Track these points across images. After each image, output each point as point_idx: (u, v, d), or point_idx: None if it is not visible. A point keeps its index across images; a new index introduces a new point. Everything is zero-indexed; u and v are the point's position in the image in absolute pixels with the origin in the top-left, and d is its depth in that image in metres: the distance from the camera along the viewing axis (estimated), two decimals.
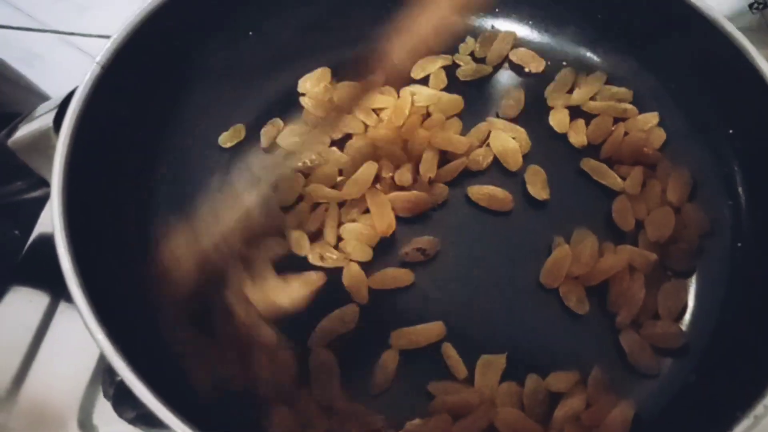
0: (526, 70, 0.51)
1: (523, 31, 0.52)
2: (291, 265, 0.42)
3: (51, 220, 0.35)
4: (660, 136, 0.48)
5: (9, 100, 0.57)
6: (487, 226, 0.45)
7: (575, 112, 0.49)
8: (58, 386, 0.44)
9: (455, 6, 0.40)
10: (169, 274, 0.37)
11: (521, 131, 0.48)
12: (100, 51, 0.40)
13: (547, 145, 0.48)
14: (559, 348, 0.41)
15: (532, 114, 0.49)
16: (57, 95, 0.42)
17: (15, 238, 0.49)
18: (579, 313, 0.42)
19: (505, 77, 0.51)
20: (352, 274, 0.42)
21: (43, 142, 0.40)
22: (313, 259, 0.43)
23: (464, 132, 0.48)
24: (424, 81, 0.50)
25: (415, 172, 0.45)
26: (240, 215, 0.39)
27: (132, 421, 0.42)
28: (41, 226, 0.49)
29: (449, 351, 0.41)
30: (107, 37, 0.41)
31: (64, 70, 0.60)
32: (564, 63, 0.51)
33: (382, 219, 0.43)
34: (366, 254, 0.43)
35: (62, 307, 0.47)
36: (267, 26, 0.49)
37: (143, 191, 0.44)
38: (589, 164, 0.46)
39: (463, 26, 0.52)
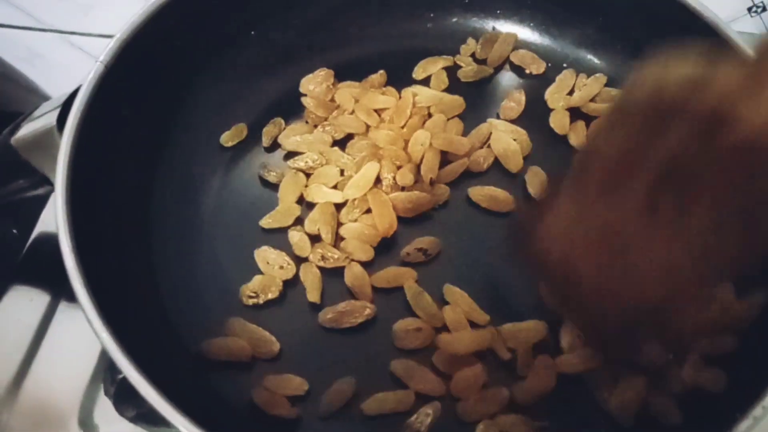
0: (527, 71, 0.52)
1: (524, 32, 0.53)
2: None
3: (52, 219, 0.35)
4: None
5: (10, 99, 0.57)
6: (487, 226, 0.45)
7: (576, 113, 0.49)
8: (59, 385, 0.44)
9: None
10: None
11: (522, 133, 0.48)
12: (102, 50, 0.40)
13: (547, 147, 0.48)
14: None
15: (533, 115, 0.49)
16: (58, 95, 0.42)
17: (15, 237, 0.50)
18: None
19: (506, 79, 0.52)
20: (354, 274, 0.42)
21: (46, 141, 0.40)
22: (314, 259, 0.43)
23: (465, 133, 0.48)
24: (426, 82, 0.50)
25: (417, 172, 0.45)
26: None
27: (133, 420, 0.42)
28: (42, 225, 0.50)
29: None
30: (109, 36, 0.41)
31: (66, 69, 0.61)
32: (565, 65, 0.51)
33: (383, 219, 0.43)
34: (367, 254, 0.43)
35: (63, 306, 0.47)
36: (269, 26, 0.50)
37: (145, 190, 0.44)
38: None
39: (465, 27, 0.53)
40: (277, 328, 0.41)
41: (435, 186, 0.45)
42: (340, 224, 0.44)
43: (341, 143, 0.47)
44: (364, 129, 0.48)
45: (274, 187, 0.46)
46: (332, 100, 0.49)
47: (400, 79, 0.50)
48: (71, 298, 0.34)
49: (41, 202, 0.49)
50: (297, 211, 0.45)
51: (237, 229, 0.44)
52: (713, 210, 0.27)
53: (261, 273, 0.42)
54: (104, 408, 0.43)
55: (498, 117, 0.49)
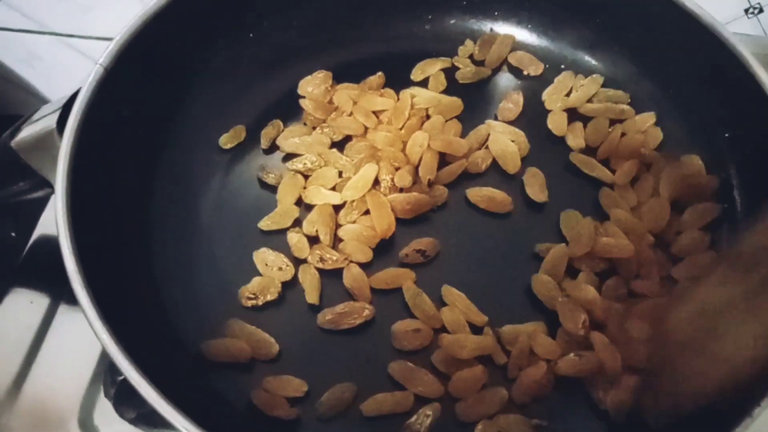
0: (525, 73, 0.52)
1: (521, 34, 0.53)
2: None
3: (53, 221, 0.35)
4: (657, 136, 0.48)
5: (10, 101, 0.57)
6: (486, 227, 0.46)
7: (573, 114, 0.49)
8: (59, 386, 0.44)
9: None
10: None
11: (520, 134, 0.48)
12: (101, 53, 0.40)
13: (545, 148, 0.48)
14: None
15: (531, 117, 0.49)
16: (58, 97, 0.42)
17: (14, 240, 0.50)
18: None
19: (504, 80, 0.52)
20: (353, 275, 0.42)
21: (46, 143, 0.40)
22: (313, 261, 0.43)
23: (463, 134, 0.48)
24: (424, 83, 0.50)
25: (415, 174, 0.46)
26: None
27: (133, 421, 0.42)
28: (42, 227, 0.50)
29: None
30: (108, 39, 0.41)
31: (66, 72, 0.61)
32: (562, 66, 0.52)
33: (381, 220, 0.44)
34: (366, 255, 0.43)
35: (63, 307, 0.47)
36: (267, 28, 0.50)
37: (144, 192, 0.44)
38: (577, 158, 0.47)
39: (463, 29, 0.53)
40: (276, 329, 0.41)
41: (433, 187, 0.46)
42: (338, 226, 0.44)
43: (340, 145, 0.47)
44: (363, 131, 0.48)
45: (273, 188, 0.46)
46: (331, 101, 0.49)
47: (398, 80, 0.50)
48: (71, 300, 0.34)
49: (41, 204, 0.50)
50: (295, 212, 0.45)
51: (236, 231, 0.45)
52: None
53: (260, 274, 0.43)
54: (104, 409, 0.44)
55: (496, 118, 0.49)
